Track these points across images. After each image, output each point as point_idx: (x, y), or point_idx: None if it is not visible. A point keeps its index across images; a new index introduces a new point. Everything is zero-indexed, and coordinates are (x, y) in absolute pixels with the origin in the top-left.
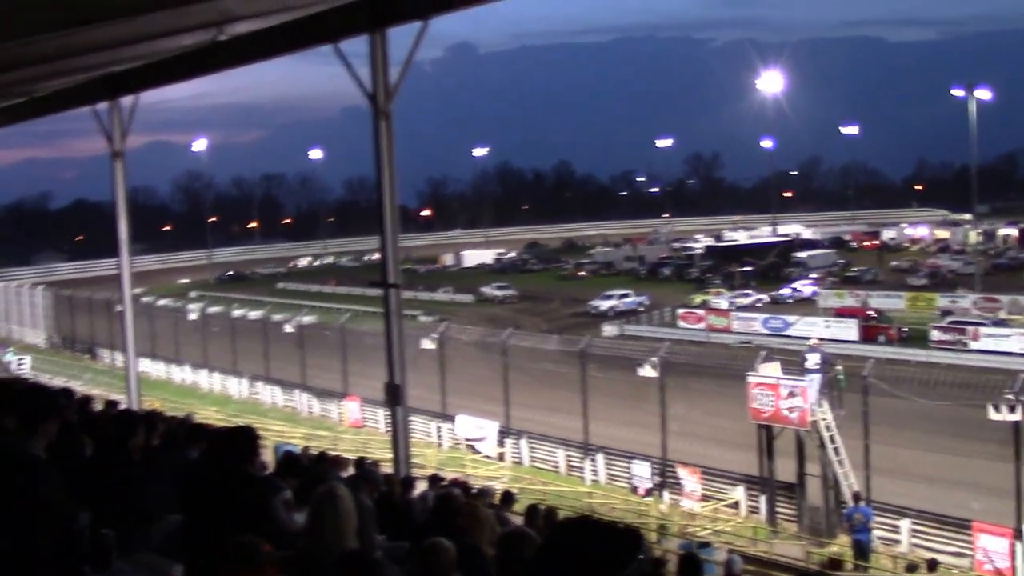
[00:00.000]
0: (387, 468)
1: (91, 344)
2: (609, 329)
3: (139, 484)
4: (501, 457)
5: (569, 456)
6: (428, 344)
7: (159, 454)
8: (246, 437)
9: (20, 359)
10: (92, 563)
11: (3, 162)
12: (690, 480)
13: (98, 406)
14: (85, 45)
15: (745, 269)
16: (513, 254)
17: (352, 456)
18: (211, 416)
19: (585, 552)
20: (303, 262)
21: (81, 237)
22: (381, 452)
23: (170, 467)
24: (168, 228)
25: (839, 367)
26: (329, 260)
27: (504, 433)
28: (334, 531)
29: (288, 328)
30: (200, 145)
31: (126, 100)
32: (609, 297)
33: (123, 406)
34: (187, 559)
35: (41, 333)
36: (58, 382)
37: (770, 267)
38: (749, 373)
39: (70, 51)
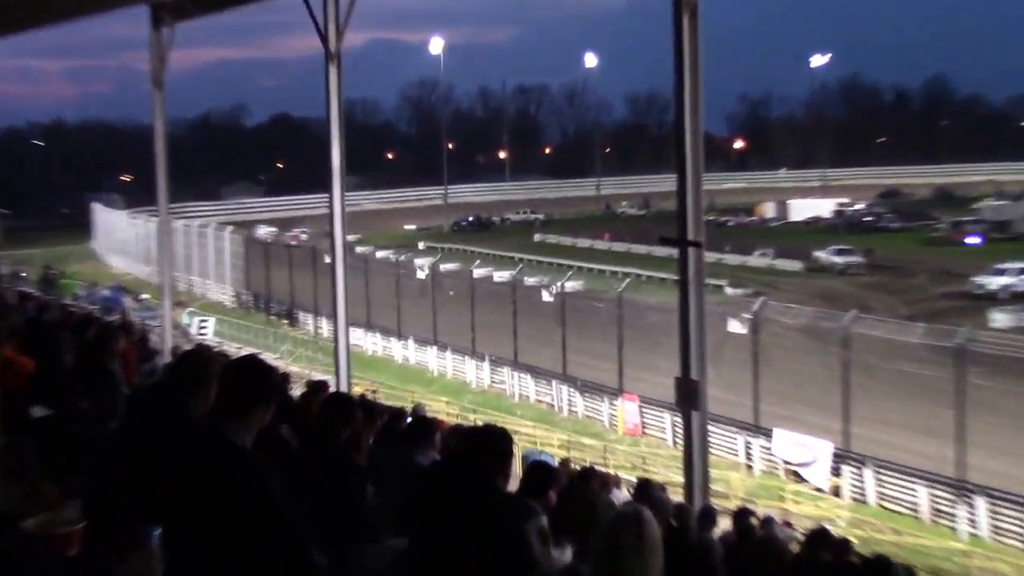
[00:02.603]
0: (676, 495)
1: (290, 305)
2: (1001, 318)
3: (356, 494)
4: (836, 491)
5: (935, 497)
6: (737, 327)
7: (380, 457)
8: (497, 442)
9: (202, 321)
10: None
11: (188, 64)
12: None
13: (296, 387)
14: None
15: None
16: (861, 205)
17: (628, 475)
18: (441, 409)
19: None
20: (562, 208)
21: (281, 165)
22: (668, 472)
23: (393, 475)
24: (392, 156)
25: None
26: (601, 207)
27: (840, 457)
28: (637, 571)
29: (546, 296)
30: (436, 46)
31: None
32: (1003, 272)
33: (331, 389)
34: None
35: (228, 288)
36: (243, 351)
37: None
38: None
39: None
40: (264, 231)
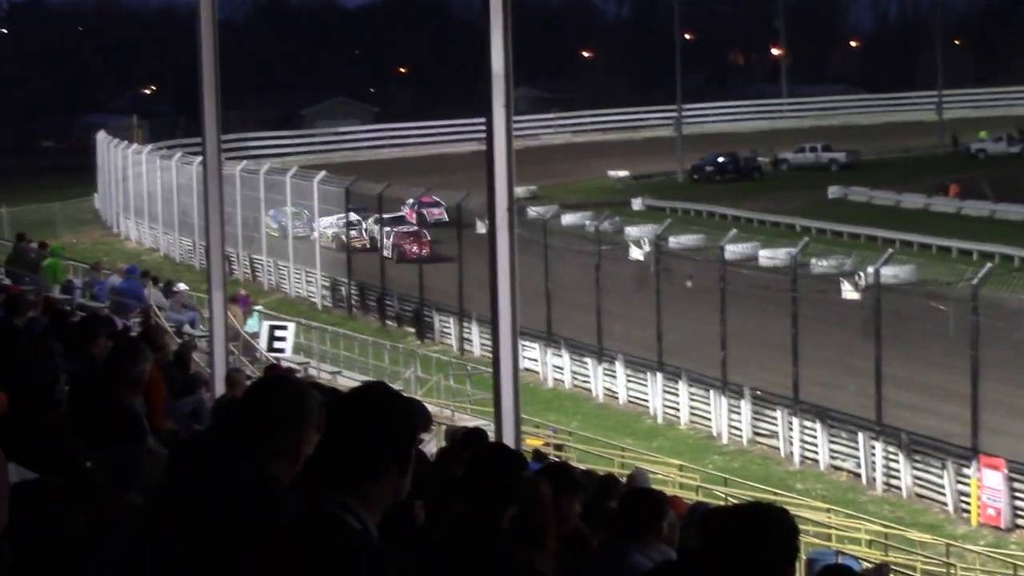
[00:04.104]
0: None
1: (419, 305)
2: None
3: None
4: None
5: None
6: None
7: (574, 557)
8: (774, 533)
9: (278, 329)
10: None
11: None
12: None
13: (432, 439)
14: None
15: None
16: None
17: None
18: (672, 478)
19: None
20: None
21: (404, 71)
22: None
23: None
24: (590, 55)
25: None
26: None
27: None
28: None
29: (848, 291)
30: None
31: None
32: None
33: (490, 438)
34: None
35: (317, 275)
36: (342, 381)
37: None
38: None
39: None
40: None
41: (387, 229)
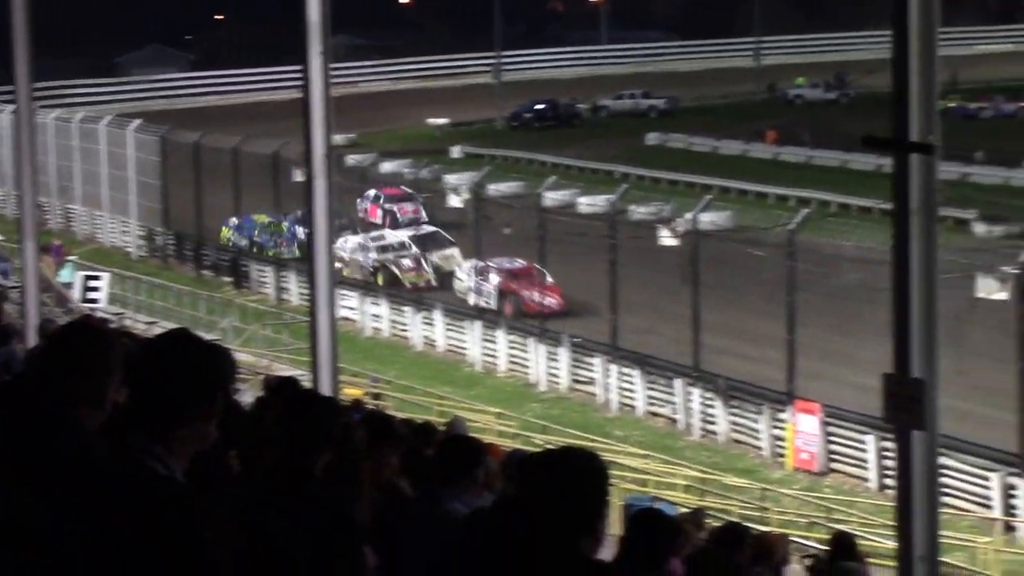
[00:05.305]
0: (884, 572)
1: (236, 254)
2: None
3: (346, 567)
4: None
5: None
6: (993, 290)
7: (389, 504)
8: (583, 477)
9: (91, 279)
10: None
11: None
12: None
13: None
14: None
15: None
16: None
17: (802, 536)
18: (490, 426)
19: None
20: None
21: (222, 17)
22: (869, 534)
23: (412, 533)
24: (409, 1)
25: None
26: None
27: None
28: None
29: (667, 238)
30: None
31: None
32: None
33: (305, 387)
34: None
35: (132, 223)
36: (158, 331)
37: None
38: None
39: None
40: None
41: None
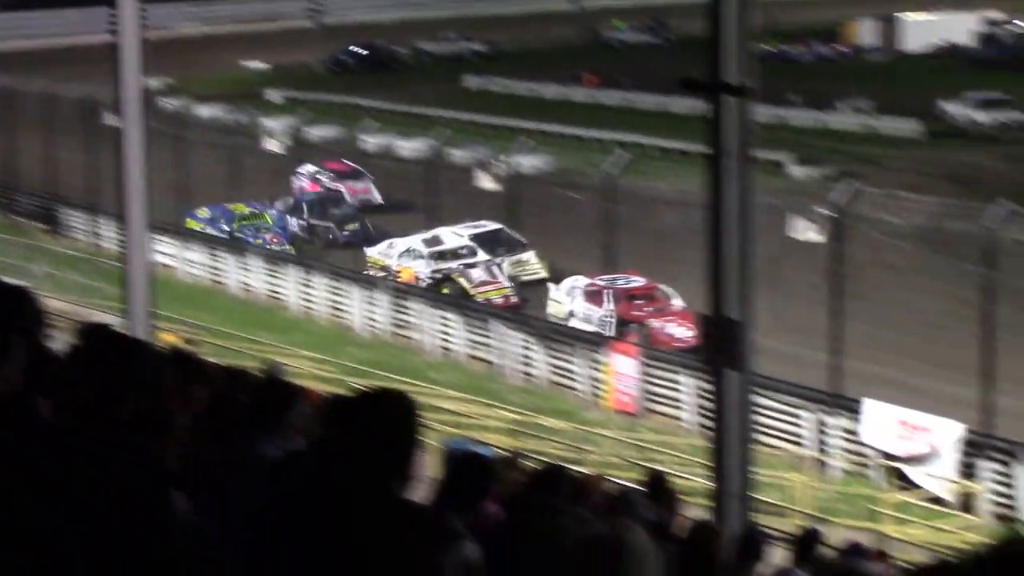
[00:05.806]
0: (699, 508)
1: (48, 200)
2: None
3: (154, 513)
4: (967, 503)
5: None
6: (807, 232)
7: (202, 449)
8: (391, 416)
9: None
10: None
11: None
12: None
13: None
14: None
15: None
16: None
17: (619, 477)
18: (308, 371)
19: None
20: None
21: None
22: (686, 473)
23: (224, 478)
24: None
25: None
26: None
27: (977, 448)
28: None
29: (486, 181)
30: None
31: None
32: None
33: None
34: None
35: None
36: None
37: None
38: None
39: None
40: None
41: None
